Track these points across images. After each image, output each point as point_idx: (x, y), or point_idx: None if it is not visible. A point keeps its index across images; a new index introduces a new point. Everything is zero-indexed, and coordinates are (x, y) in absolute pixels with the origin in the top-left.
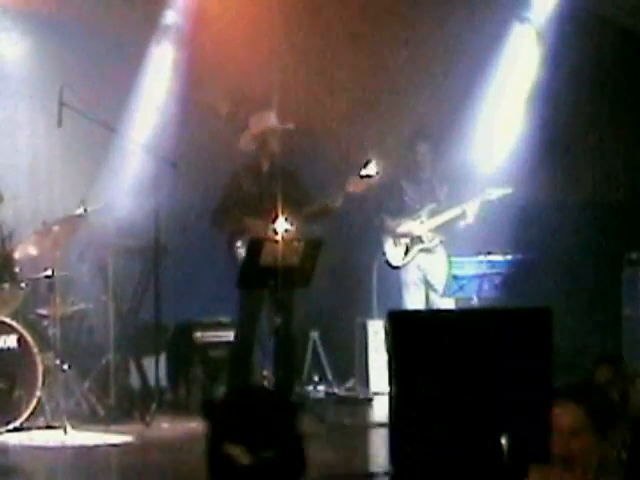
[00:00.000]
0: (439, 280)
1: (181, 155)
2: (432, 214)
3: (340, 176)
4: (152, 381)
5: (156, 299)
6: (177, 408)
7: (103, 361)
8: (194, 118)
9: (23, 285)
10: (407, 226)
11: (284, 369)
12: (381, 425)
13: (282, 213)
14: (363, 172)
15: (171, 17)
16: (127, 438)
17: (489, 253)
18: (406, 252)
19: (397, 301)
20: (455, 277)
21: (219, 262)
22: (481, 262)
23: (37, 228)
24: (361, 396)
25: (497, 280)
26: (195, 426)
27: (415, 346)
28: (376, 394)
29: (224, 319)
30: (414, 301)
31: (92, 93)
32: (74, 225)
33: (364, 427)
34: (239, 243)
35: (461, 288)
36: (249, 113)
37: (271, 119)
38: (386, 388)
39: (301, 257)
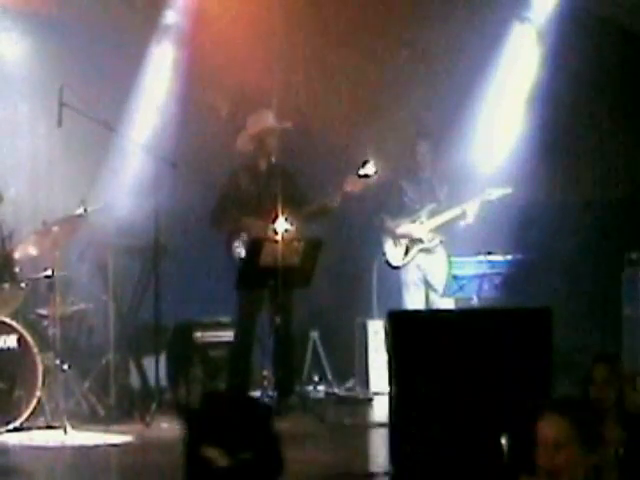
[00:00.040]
0: (439, 280)
1: (181, 155)
2: (432, 214)
3: (339, 176)
4: (152, 381)
5: (156, 299)
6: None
7: (103, 361)
8: (194, 118)
9: (23, 285)
10: (407, 226)
11: (284, 369)
12: (381, 425)
13: (281, 213)
14: (361, 172)
15: (171, 17)
16: (127, 438)
17: (489, 253)
18: (406, 252)
19: (397, 301)
20: (455, 277)
21: (219, 262)
22: (481, 262)
23: (37, 228)
24: (361, 396)
25: (497, 280)
26: None
27: (415, 346)
28: (376, 394)
29: (224, 319)
30: (414, 301)
31: (92, 93)
32: (74, 225)
33: (364, 427)
34: (237, 243)
35: (461, 288)
36: (249, 113)
37: (269, 119)
38: (386, 388)
39: (301, 257)
